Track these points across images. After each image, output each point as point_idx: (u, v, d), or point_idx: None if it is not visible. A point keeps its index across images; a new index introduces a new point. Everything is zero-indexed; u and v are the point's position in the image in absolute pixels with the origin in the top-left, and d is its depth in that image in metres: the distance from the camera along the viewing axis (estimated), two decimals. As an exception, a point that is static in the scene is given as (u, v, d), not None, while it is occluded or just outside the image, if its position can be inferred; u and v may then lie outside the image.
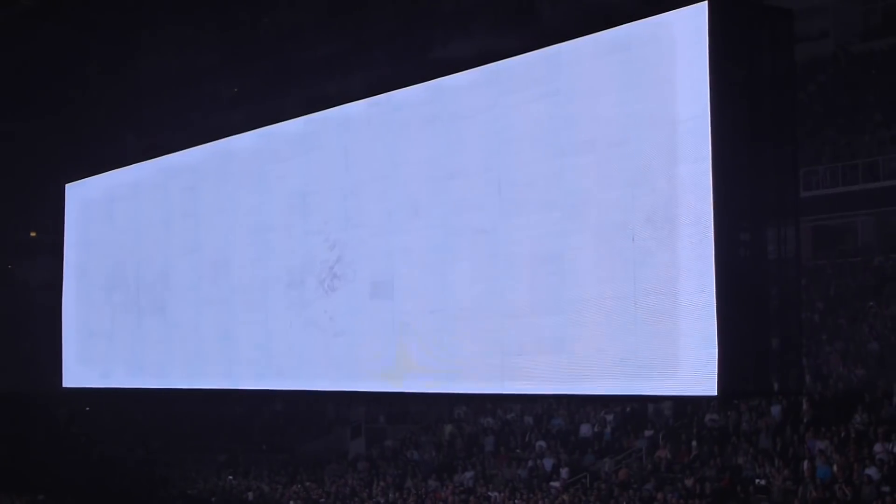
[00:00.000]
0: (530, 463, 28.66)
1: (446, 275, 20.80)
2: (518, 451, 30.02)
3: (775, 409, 25.47)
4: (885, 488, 21.14)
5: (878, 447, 22.55)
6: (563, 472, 27.58)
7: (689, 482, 24.26)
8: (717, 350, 16.28)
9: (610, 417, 29.13)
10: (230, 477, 34.87)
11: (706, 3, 16.78)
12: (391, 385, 22.18)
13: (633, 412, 28.65)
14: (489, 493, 27.06)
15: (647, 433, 27.77)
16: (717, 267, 16.31)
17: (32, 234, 42.36)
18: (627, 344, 17.49)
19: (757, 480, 23.22)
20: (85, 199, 31.97)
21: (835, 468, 22.36)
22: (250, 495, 32.11)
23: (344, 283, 23.12)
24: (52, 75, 32.48)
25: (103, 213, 30.95)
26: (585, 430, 29.40)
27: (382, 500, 28.77)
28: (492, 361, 19.77)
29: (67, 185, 32.60)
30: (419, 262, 21.41)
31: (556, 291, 18.70)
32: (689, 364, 16.73)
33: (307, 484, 32.01)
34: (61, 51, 31.81)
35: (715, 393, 16.52)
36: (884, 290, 29.53)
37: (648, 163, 17.36)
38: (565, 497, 25.46)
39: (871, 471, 21.79)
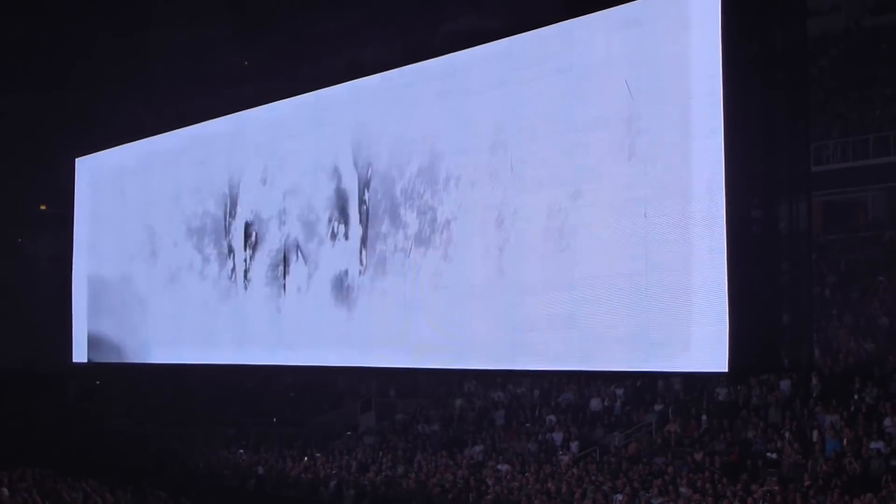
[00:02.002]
0: (540, 437, 28.74)
1: (457, 251, 20.82)
2: (528, 425, 30.09)
3: (784, 384, 25.52)
4: (894, 462, 21.21)
5: (887, 421, 22.60)
6: (573, 445, 27.65)
7: (698, 456, 24.33)
8: (727, 327, 16.30)
9: (620, 392, 29.18)
10: (240, 451, 34.96)
11: (719, -22, 16.76)
12: (402, 361, 22.23)
13: (642, 386, 28.70)
14: (499, 467, 27.14)
15: (657, 407, 27.82)
16: (728, 243, 16.33)
17: (42, 206, 42.35)
18: (639, 320, 17.51)
19: (768, 454, 23.29)
20: (95, 172, 31.98)
21: (844, 442, 22.42)
22: (260, 469, 32.20)
23: (355, 258, 23.15)
24: (62, 48, 32.41)
25: (114, 187, 30.96)
26: (595, 404, 29.46)
27: (391, 474, 28.87)
28: (503, 337, 19.81)
29: (77, 159, 32.60)
30: (430, 239, 21.42)
31: (567, 268, 18.72)
32: (700, 340, 16.76)
33: (317, 455, 32.12)
34: (71, 23, 31.74)
35: (726, 369, 16.54)
36: (894, 265, 29.48)
37: (661, 138, 17.36)
38: (575, 471, 25.54)
39: (880, 445, 21.85)
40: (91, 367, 33.14)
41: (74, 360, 32.45)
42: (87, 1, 30.41)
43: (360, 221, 23.24)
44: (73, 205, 32.74)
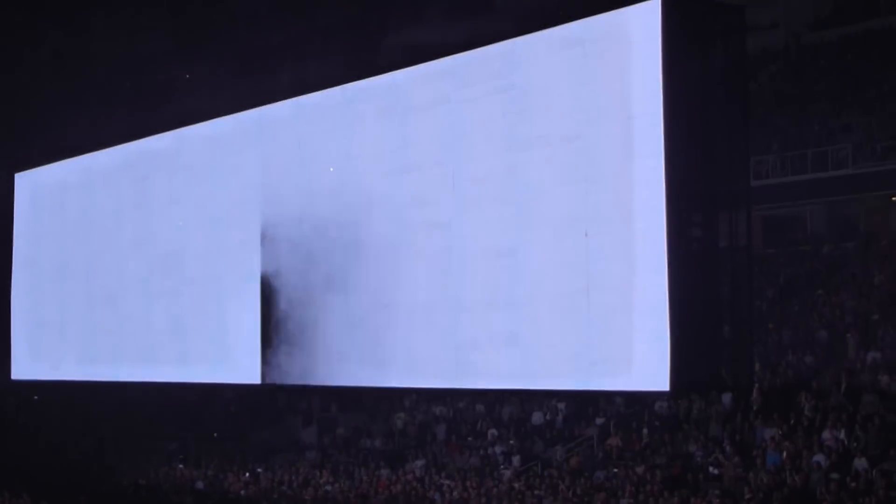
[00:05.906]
0: (482, 451, 28.77)
1: (400, 269, 20.80)
2: (470, 439, 30.10)
3: (726, 398, 25.70)
4: (834, 475, 21.41)
5: (826, 434, 22.82)
6: (515, 459, 27.71)
7: (640, 470, 24.45)
8: (668, 345, 16.39)
9: (561, 406, 29.27)
10: (180, 465, 34.73)
11: (660, -1, 16.89)
12: (345, 379, 22.16)
13: (584, 400, 28.79)
14: (441, 482, 27.13)
15: (599, 421, 27.95)
16: (669, 264, 16.37)
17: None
18: (580, 339, 17.53)
19: (711, 469, 23.44)
20: (35, 188, 31.65)
21: (784, 455, 22.62)
22: (200, 484, 32.00)
23: (298, 277, 23.05)
24: (0, 61, 32.05)
25: (54, 203, 30.65)
26: (537, 418, 29.55)
27: (330, 489, 28.79)
28: (445, 356, 19.74)
29: (17, 174, 32.25)
30: (373, 256, 21.40)
31: (509, 286, 18.71)
32: (641, 359, 16.79)
33: (258, 471, 31.98)
34: (11, 36, 31.40)
35: (667, 388, 16.63)
36: (833, 279, 29.85)
37: (603, 158, 17.40)
38: (516, 485, 25.60)
39: (820, 458, 22.06)
40: (30, 384, 32.77)
41: (13, 376, 32.06)
42: (27, 13, 30.08)
43: (305, 237, 23.17)
44: (13, 220, 32.34)
